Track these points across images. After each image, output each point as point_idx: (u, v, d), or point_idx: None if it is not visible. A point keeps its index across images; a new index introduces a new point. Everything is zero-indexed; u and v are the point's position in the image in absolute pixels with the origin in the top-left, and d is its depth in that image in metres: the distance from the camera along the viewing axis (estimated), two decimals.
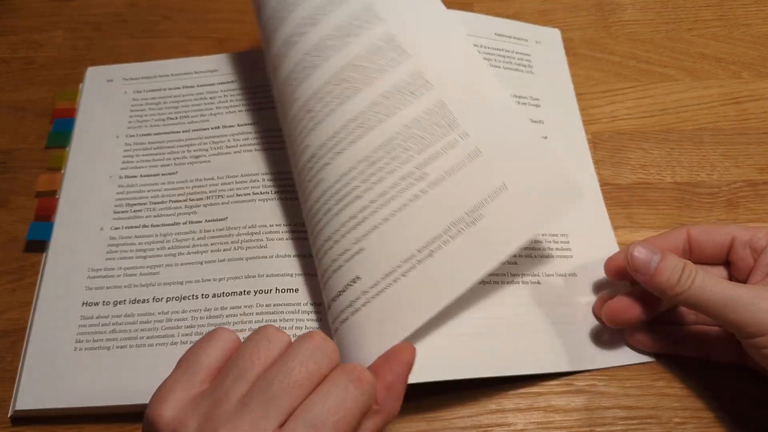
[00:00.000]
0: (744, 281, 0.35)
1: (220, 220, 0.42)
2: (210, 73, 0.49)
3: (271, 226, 0.41)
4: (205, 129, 0.46)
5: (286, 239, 0.41)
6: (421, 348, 0.32)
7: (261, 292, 0.39)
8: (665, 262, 0.33)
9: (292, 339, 0.29)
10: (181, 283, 0.40)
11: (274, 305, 0.38)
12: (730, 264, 0.37)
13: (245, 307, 0.39)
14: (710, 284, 0.32)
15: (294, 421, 0.26)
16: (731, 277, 0.37)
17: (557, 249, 0.40)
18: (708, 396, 0.36)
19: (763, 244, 0.35)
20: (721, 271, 0.37)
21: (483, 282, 0.36)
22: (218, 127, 0.46)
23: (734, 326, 0.32)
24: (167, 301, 0.39)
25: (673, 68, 0.49)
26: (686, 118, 0.46)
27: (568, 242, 0.40)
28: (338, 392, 0.27)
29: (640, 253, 0.34)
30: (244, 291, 0.39)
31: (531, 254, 0.39)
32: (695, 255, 0.37)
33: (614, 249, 0.40)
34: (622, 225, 0.42)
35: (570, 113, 0.46)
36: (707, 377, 0.36)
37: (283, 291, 0.39)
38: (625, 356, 0.37)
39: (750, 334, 0.31)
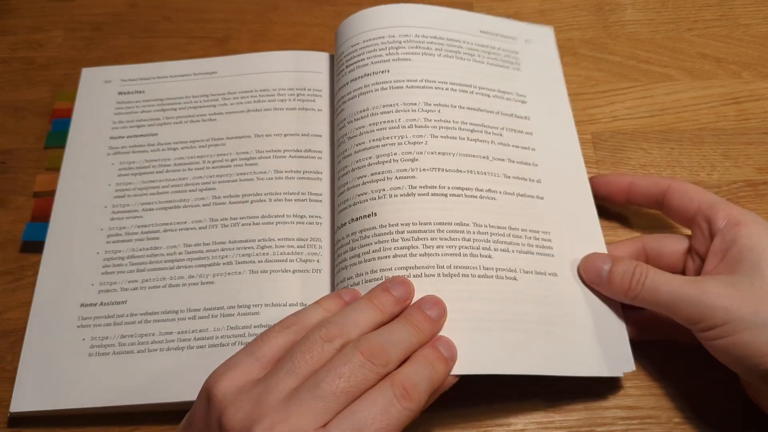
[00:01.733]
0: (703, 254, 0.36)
1: (212, 219, 0.42)
2: (209, 75, 0.48)
3: (275, 240, 0.41)
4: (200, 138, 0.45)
5: (298, 259, 0.40)
6: None
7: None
8: (615, 269, 0.35)
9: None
10: (182, 283, 0.39)
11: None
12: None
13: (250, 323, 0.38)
14: (659, 283, 0.33)
15: (338, 422, 0.27)
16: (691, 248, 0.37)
17: (537, 246, 0.38)
18: (708, 396, 0.36)
19: (719, 226, 0.35)
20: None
21: (450, 275, 0.35)
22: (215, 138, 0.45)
23: (685, 322, 0.33)
24: (166, 306, 0.39)
25: (673, 68, 0.49)
26: (686, 118, 0.46)
27: (549, 240, 0.38)
28: (384, 402, 0.28)
29: (590, 266, 0.36)
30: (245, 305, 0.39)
31: (508, 249, 0.37)
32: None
33: (602, 249, 0.38)
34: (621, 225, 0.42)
35: (560, 111, 0.44)
36: (707, 377, 0.36)
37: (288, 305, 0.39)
38: (597, 368, 0.35)
39: (699, 328, 0.32)
